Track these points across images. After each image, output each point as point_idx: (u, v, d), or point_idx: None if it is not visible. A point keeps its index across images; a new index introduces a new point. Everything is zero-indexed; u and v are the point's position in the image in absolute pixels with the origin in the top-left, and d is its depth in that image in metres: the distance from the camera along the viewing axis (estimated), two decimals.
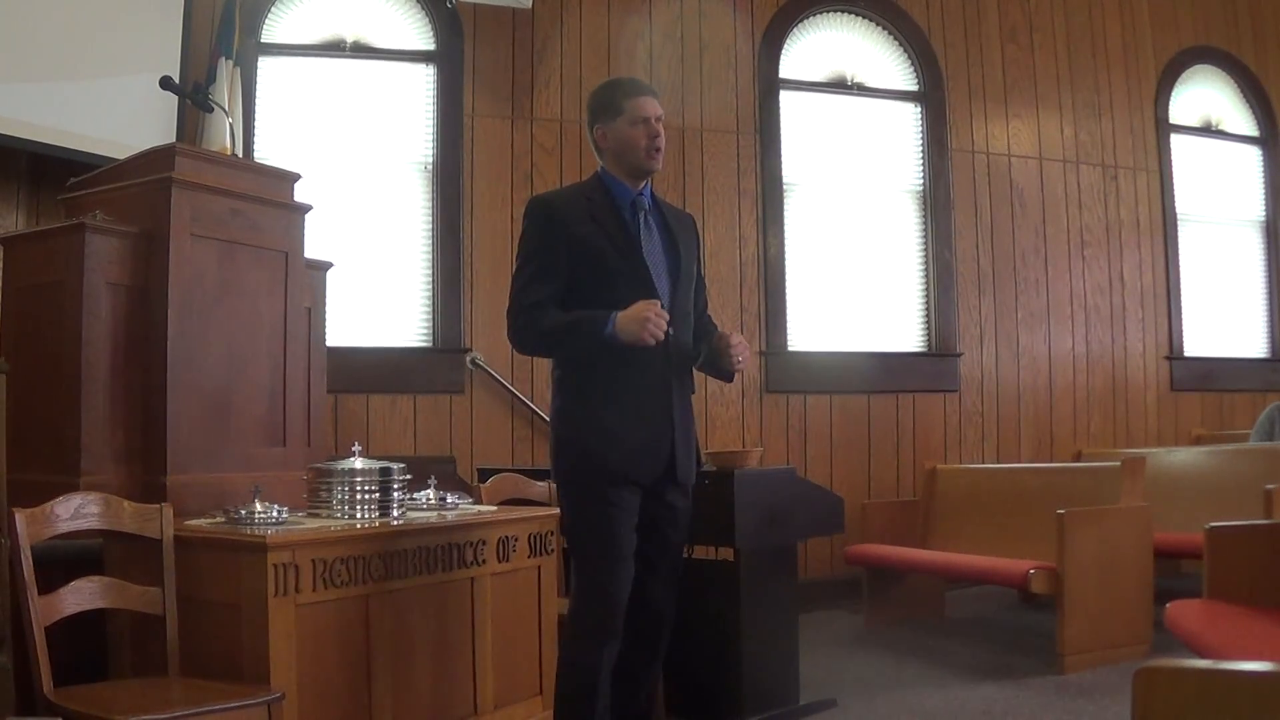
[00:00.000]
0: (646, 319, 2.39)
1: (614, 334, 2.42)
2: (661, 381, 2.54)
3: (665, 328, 2.43)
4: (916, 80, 6.00)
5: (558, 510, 2.80)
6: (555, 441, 2.60)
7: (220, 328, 2.98)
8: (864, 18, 5.94)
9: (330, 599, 2.47)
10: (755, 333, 5.50)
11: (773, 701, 3.42)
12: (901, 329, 5.89)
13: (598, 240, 2.52)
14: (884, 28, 5.98)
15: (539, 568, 3.06)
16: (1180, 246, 6.51)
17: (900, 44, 5.99)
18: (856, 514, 4.88)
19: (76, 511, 2.38)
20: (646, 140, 2.57)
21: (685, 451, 2.59)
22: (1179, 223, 6.52)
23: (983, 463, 5.82)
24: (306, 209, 3.28)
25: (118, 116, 4.21)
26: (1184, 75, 6.62)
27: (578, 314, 2.49)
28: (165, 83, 3.46)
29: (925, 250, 5.92)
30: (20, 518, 2.25)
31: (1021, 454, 5.97)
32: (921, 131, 5.99)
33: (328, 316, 3.47)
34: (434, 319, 5.06)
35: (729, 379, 2.84)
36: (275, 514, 2.56)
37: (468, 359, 5.03)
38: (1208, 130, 6.74)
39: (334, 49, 5.07)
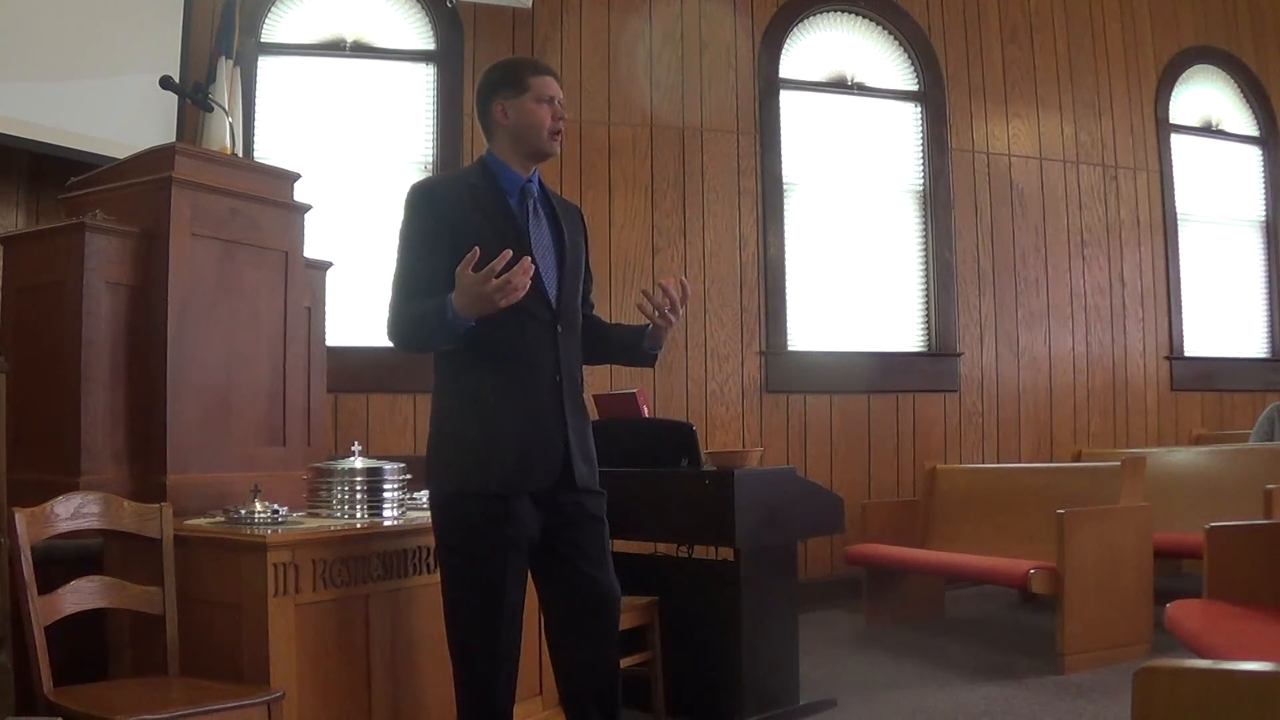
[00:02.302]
0: (480, 288, 2.11)
1: (456, 319, 2.18)
2: (552, 379, 2.33)
3: (523, 275, 2.14)
4: (916, 80, 6.00)
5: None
6: (431, 450, 2.36)
7: (220, 328, 2.98)
8: (864, 17, 5.94)
9: (330, 599, 2.47)
10: (755, 333, 5.50)
11: (773, 701, 3.42)
12: (901, 329, 5.89)
13: (483, 230, 2.28)
14: (884, 27, 5.98)
15: None
16: (1180, 246, 6.51)
17: (900, 44, 5.99)
18: (856, 514, 4.88)
19: (76, 511, 2.39)
20: (551, 121, 2.40)
21: (582, 454, 2.37)
22: (1179, 223, 6.52)
23: (983, 463, 5.82)
24: (306, 209, 3.28)
25: (118, 116, 4.21)
26: (1184, 75, 6.62)
27: (422, 306, 2.25)
28: (165, 82, 3.46)
29: (925, 250, 5.92)
30: (20, 517, 2.25)
31: (1021, 454, 5.97)
32: (921, 131, 5.99)
33: (328, 316, 3.47)
34: None
35: (650, 361, 2.55)
36: (275, 514, 2.56)
37: None
38: (1208, 130, 6.74)
39: (334, 49, 5.07)
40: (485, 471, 2.27)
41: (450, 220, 2.32)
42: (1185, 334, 6.48)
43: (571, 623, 2.38)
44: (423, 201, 2.37)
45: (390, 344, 2.36)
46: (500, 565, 2.26)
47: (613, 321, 2.68)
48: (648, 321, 2.45)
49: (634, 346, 2.53)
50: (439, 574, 2.37)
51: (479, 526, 2.26)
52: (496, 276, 2.12)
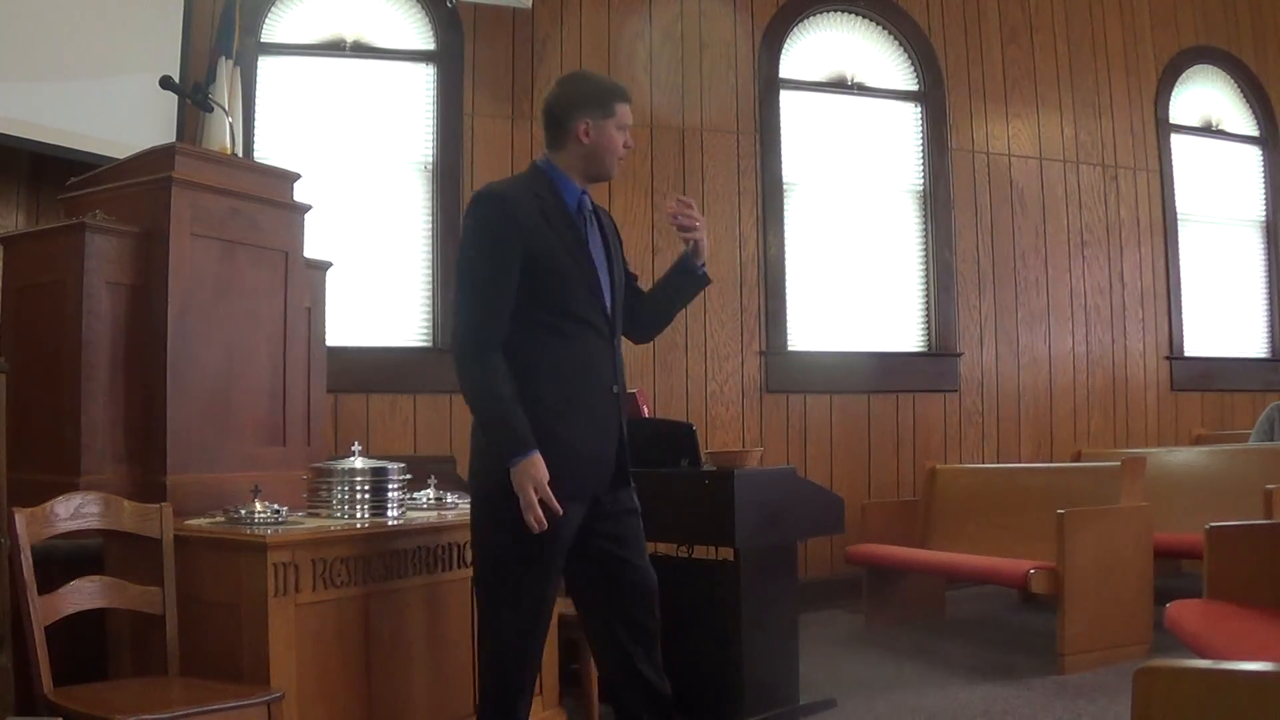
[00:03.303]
0: (534, 502, 2.22)
1: (511, 468, 2.25)
2: (610, 390, 2.44)
3: (554, 509, 2.25)
4: (916, 80, 6.00)
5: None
6: (481, 449, 2.39)
7: (220, 327, 2.98)
8: (864, 17, 5.94)
9: (330, 599, 2.48)
10: (755, 333, 5.50)
11: (773, 701, 3.42)
12: (901, 329, 5.89)
13: (551, 240, 2.35)
14: (884, 27, 5.97)
15: None
16: (1180, 246, 6.51)
17: (900, 44, 5.98)
18: (856, 514, 4.88)
19: (76, 511, 2.39)
20: (623, 150, 2.47)
21: (631, 457, 2.50)
22: (1179, 223, 6.52)
23: (983, 463, 5.82)
24: (306, 209, 3.28)
25: (118, 116, 4.21)
26: (1184, 75, 6.62)
27: (515, 416, 2.27)
28: (165, 82, 3.47)
29: (925, 250, 5.92)
30: (20, 517, 2.25)
31: (1021, 454, 5.97)
32: (921, 131, 5.99)
33: (328, 316, 3.47)
34: (434, 319, 5.06)
35: (704, 280, 2.61)
36: (275, 514, 2.56)
37: None
38: (1208, 130, 6.74)
39: (334, 49, 5.07)
40: (552, 475, 2.28)
41: (521, 229, 2.34)
42: (1185, 334, 6.47)
43: (614, 610, 2.45)
44: (495, 208, 2.37)
45: (457, 371, 2.35)
46: (546, 564, 2.34)
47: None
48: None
49: (685, 276, 2.58)
50: (475, 567, 2.43)
51: (536, 531, 2.27)
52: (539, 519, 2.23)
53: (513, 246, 2.32)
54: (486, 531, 2.39)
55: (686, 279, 2.60)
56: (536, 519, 2.24)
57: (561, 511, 2.27)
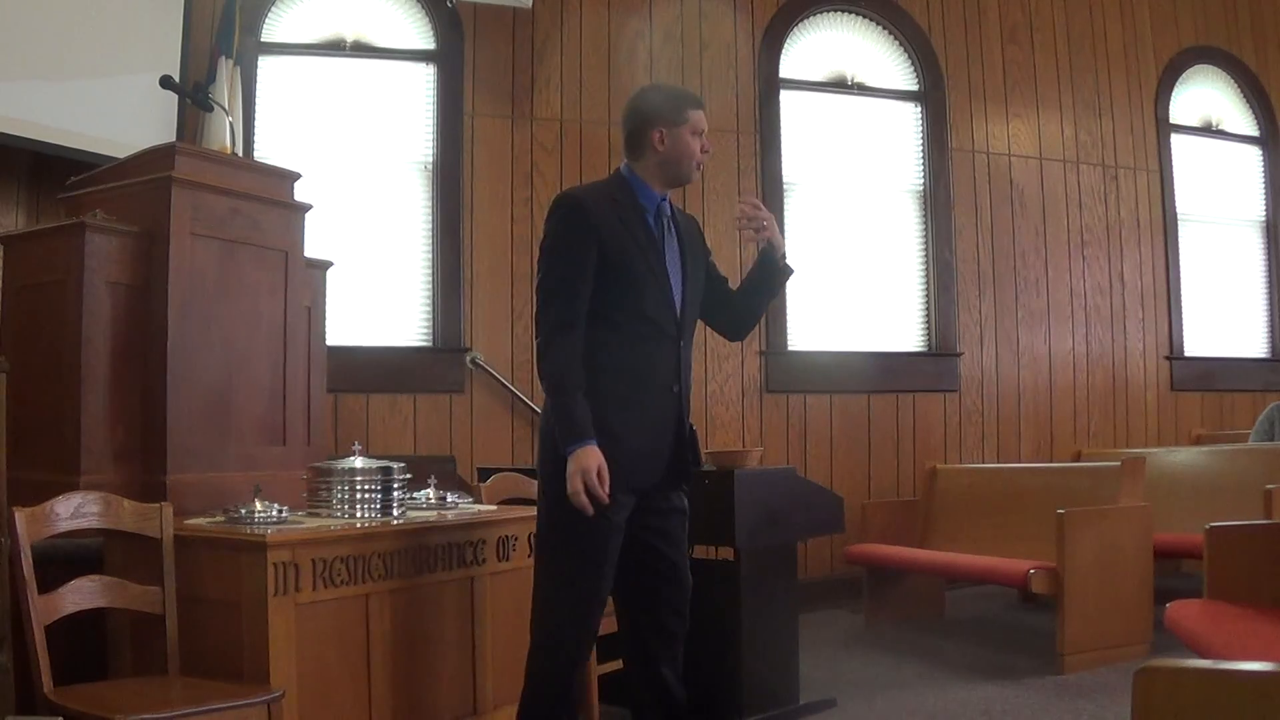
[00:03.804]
0: (583, 486, 2.33)
1: (567, 454, 2.37)
2: (670, 389, 2.53)
3: (600, 498, 2.35)
4: (916, 80, 6.00)
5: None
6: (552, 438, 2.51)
7: (220, 327, 2.98)
8: (864, 17, 5.94)
9: (330, 598, 2.47)
10: (755, 332, 5.49)
11: (773, 701, 3.42)
12: (901, 329, 5.89)
13: (626, 244, 2.47)
14: (884, 27, 5.97)
15: None
16: (1180, 246, 6.51)
17: (900, 44, 5.98)
18: (856, 514, 4.88)
19: (76, 510, 2.38)
20: (700, 154, 2.57)
21: (693, 455, 2.59)
22: (1179, 223, 6.52)
23: (983, 463, 5.82)
24: (306, 208, 3.28)
25: (118, 116, 4.21)
26: (1184, 75, 6.62)
27: (578, 407, 2.39)
28: (165, 82, 3.46)
29: (925, 250, 5.92)
30: (20, 517, 2.25)
31: (1021, 454, 5.97)
32: (921, 131, 5.99)
33: (328, 316, 3.47)
34: (434, 319, 5.06)
35: (788, 270, 2.78)
36: (275, 513, 2.56)
37: (467, 359, 5.03)
38: (1208, 130, 6.74)
39: (334, 48, 5.07)
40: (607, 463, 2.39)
41: (598, 232, 2.46)
42: (1185, 334, 6.47)
43: (645, 605, 2.55)
44: (574, 212, 2.49)
45: (538, 360, 2.48)
46: (604, 553, 2.44)
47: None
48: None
49: (768, 270, 2.71)
50: (535, 551, 2.57)
51: (591, 516, 2.37)
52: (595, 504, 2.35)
53: (588, 248, 2.44)
54: (544, 517, 2.51)
55: (770, 272, 2.71)
56: (581, 505, 2.34)
57: (607, 501, 2.36)
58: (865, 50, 5.95)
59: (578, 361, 2.42)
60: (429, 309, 5.08)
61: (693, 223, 2.74)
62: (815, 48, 5.87)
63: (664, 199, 2.59)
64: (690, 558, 3.50)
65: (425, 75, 5.19)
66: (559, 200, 2.54)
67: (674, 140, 2.54)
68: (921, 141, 5.98)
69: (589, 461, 2.35)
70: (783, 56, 5.75)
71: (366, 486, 2.71)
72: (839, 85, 5.88)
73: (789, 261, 2.76)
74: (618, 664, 2.92)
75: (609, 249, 2.45)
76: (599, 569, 2.44)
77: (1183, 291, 6.49)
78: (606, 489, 2.35)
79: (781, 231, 2.82)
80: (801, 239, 5.70)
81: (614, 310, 2.47)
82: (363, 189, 5.02)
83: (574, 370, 2.41)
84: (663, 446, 2.53)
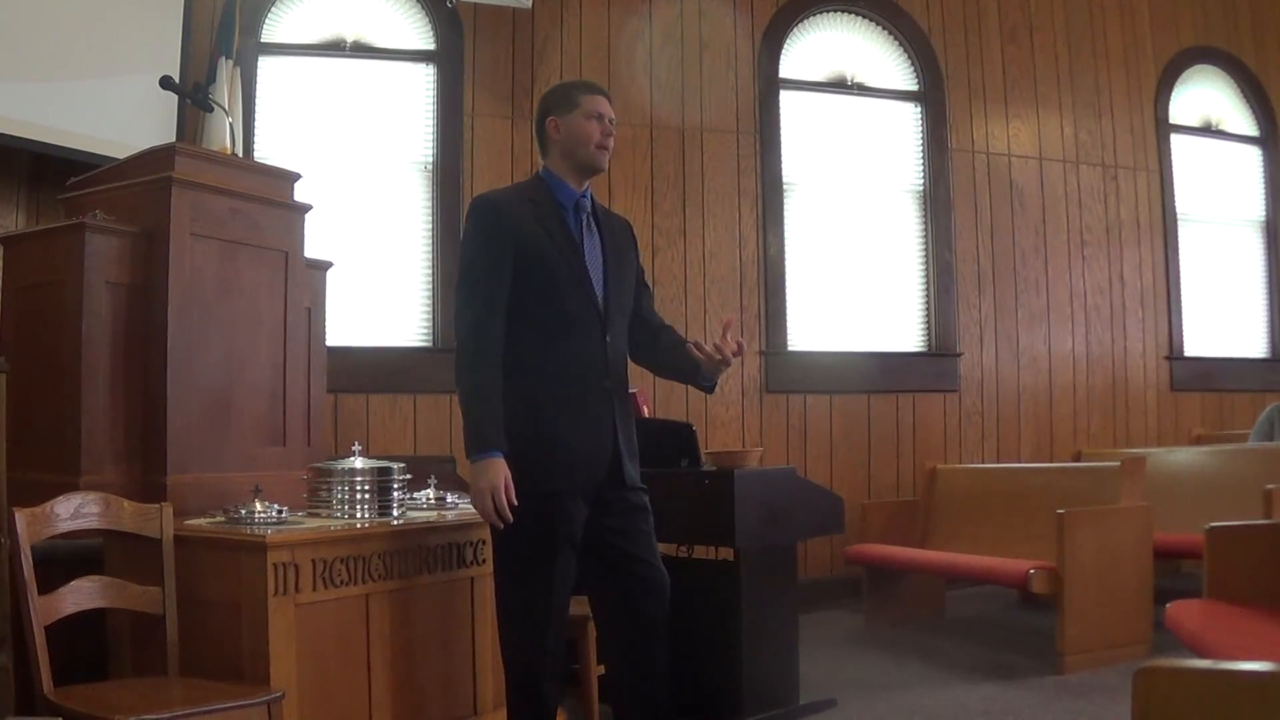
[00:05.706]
0: (490, 496, 2.32)
1: (471, 461, 2.37)
2: (600, 386, 2.49)
3: (505, 515, 2.34)
4: (916, 80, 6.00)
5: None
6: None
7: (220, 327, 2.98)
8: (864, 17, 5.94)
9: (330, 599, 2.47)
10: (755, 333, 5.50)
11: (773, 701, 3.42)
12: (901, 329, 5.89)
13: (542, 243, 2.47)
14: (884, 28, 5.97)
15: None
16: (1180, 246, 6.51)
17: (900, 44, 5.98)
18: (856, 514, 4.88)
19: (76, 511, 2.39)
20: (599, 135, 2.56)
21: (629, 453, 2.54)
22: (1179, 223, 6.52)
23: (983, 463, 5.82)
24: (306, 209, 3.28)
25: (118, 116, 4.21)
26: (1184, 75, 6.62)
27: (483, 414, 2.38)
28: (165, 82, 3.46)
29: (925, 250, 5.92)
30: (20, 517, 2.25)
31: (1021, 454, 5.97)
32: (921, 131, 5.99)
33: (328, 316, 3.47)
34: (434, 319, 5.06)
35: (708, 390, 2.67)
36: (275, 514, 2.56)
37: None
38: (1208, 130, 6.74)
39: (334, 49, 5.07)
40: (538, 471, 2.41)
41: (512, 231, 2.47)
42: (1185, 334, 6.47)
43: (620, 612, 2.53)
44: (487, 215, 2.51)
45: (456, 362, 2.47)
46: (550, 561, 2.41)
47: (680, 338, 2.69)
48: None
49: (692, 374, 2.61)
50: (493, 569, 2.52)
51: (531, 523, 2.38)
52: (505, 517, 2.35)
53: (503, 246, 2.46)
54: (494, 538, 2.49)
55: (691, 376, 2.61)
56: (494, 523, 2.36)
57: (512, 518, 2.35)
58: (865, 50, 5.95)
59: (492, 367, 2.41)
60: (429, 309, 5.08)
61: (622, 223, 2.72)
62: (815, 48, 5.86)
63: (584, 195, 2.58)
64: (690, 558, 3.55)
65: (425, 75, 5.19)
66: (474, 203, 2.56)
67: (568, 126, 2.56)
68: (921, 141, 5.98)
69: (495, 479, 2.33)
70: (782, 56, 5.75)
71: (366, 487, 2.71)
72: (839, 85, 5.88)
73: (714, 384, 2.65)
74: None
75: (525, 248, 2.46)
76: (549, 587, 2.41)
77: (1183, 291, 6.49)
78: (512, 497, 2.34)
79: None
80: (801, 239, 5.70)
81: (536, 309, 2.46)
82: (363, 189, 5.02)
83: (491, 375, 2.40)
84: (600, 445, 2.48)
